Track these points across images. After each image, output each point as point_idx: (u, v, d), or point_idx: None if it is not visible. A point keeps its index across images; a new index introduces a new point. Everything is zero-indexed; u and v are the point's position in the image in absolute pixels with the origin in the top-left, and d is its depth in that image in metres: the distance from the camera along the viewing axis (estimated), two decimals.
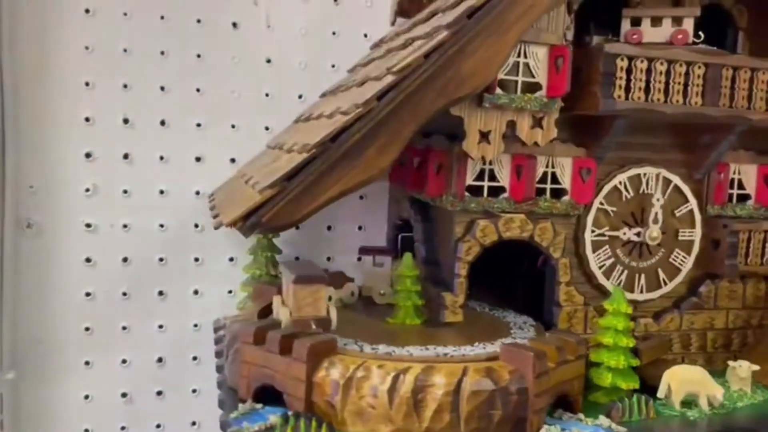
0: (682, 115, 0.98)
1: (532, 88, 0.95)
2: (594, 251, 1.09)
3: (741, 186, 1.16)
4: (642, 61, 0.95)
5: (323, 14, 1.39)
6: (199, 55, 1.33)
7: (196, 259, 1.38)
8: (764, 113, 1.00)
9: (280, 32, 1.37)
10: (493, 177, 1.04)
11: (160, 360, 1.39)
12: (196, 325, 1.39)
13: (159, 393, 1.39)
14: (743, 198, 1.16)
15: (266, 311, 1.07)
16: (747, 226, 1.13)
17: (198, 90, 1.34)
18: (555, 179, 1.06)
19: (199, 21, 1.32)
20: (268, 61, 1.37)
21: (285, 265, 1.05)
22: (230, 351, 1.01)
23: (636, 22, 1.02)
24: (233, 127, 1.36)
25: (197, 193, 1.36)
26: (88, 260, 1.32)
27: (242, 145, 1.35)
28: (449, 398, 0.82)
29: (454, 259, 1.03)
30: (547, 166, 1.06)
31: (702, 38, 1.02)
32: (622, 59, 0.94)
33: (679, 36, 0.99)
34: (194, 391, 1.41)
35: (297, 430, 0.81)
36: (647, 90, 0.96)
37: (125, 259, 1.35)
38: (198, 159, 1.35)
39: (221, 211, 1.04)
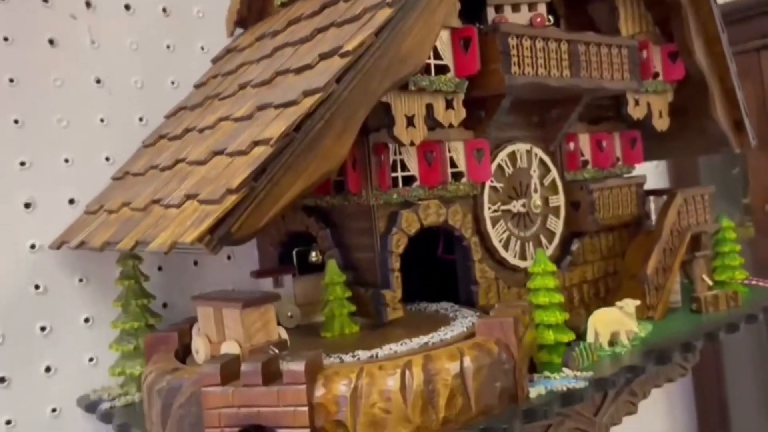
0: (563, 87, 1.09)
1: (441, 70, 0.97)
2: (493, 226, 1.15)
3: (582, 153, 1.32)
4: (527, 39, 1.03)
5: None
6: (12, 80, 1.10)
7: (42, 329, 1.12)
8: (614, 81, 1.16)
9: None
10: (404, 167, 1.04)
11: None
12: (54, 410, 1.12)
13: None
14: (585, 163, 1.32)
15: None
16: (598, 185, 1.28)
17: (16, 122, 1.10)
18: (453, 163, 1.10)
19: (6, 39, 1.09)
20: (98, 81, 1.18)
21: (201, 301, 0.93)
22: (172, 410, 0.84)
23: (499, 9, 1.10)
24: (66, 161, 1.14)
25: (32, 246, 1.11)
26: None
27: (80, 181, 1.14)
28: (459, 380, 0.79)
29: (384, 254, 1.00)
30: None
31: (552, 21, 1.14)
32: (512, 38, 1.01)
33: (538, 19, 1.10)
34: None
35: None
36: (533, 65, 1.04)
37: None
38: (27, 205, 1.10)
39: (124, 245, 0.87)
